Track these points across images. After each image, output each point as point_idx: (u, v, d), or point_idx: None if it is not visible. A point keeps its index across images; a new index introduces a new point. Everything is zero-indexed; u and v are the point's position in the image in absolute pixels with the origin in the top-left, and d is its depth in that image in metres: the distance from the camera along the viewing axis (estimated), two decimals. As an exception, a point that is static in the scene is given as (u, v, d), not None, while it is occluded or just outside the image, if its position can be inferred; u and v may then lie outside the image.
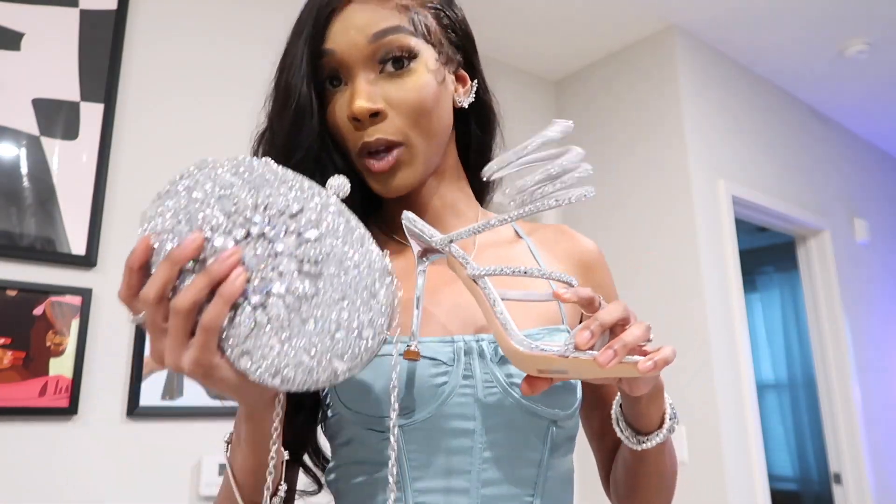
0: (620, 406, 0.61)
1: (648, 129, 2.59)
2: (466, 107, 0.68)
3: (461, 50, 0.69)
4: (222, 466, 1.49)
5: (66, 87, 1.47)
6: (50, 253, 1.37)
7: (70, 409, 1.34)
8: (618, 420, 0.61)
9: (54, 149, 1.43)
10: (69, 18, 1.50)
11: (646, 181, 2.56)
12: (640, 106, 2.64)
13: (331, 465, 0.63)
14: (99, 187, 1.45)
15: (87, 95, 1.49)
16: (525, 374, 0.52)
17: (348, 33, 0.60)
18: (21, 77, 1.42)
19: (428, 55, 0.62)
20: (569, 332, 0.64)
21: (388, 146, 0.60)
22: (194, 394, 1.50)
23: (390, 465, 0.52)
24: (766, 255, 4.71)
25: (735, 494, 2.17)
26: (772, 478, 3.05)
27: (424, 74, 0.61)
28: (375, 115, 0.59)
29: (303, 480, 0.67)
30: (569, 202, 0.51)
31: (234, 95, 1.72)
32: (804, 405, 4.50)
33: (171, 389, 1.47)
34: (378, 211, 0.71)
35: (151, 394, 1.44)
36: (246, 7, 1.79)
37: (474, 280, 0.53)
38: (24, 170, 1.38)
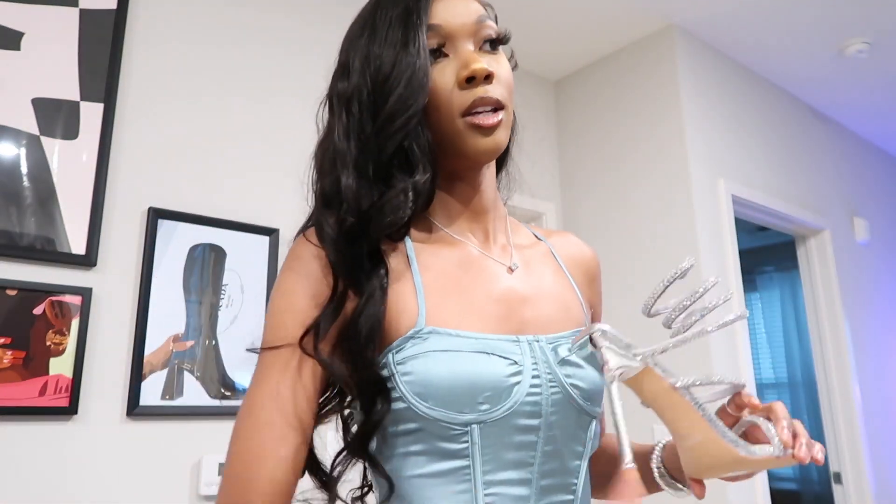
0: (662, 460, 0.70)
1: (648, 128, 2.59)
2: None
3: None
4: (222, 466, 1.48)
5: (66, 86, 1.47)
6: (50, 252, 1.37)
7: (70, 409, 1.34)
8: (662, 474, 0.70)
9: (54, 148, 1.43)
10: (69, 18, 1.50)
11: (646, 181, 2.56)
12: (639, 105, 2.64)
13: (387, 452, 0.62)
14: (99, 187, 1.45)
15: (87, 95, 1.49)
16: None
17: (455, 12, 0.68)
18: (21, 77, 1.42)
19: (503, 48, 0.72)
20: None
21: (496, 106, 0.66)
22: (194, 394, 1.50)
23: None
24: (766, 254, 4.71)
25: (735, 494, 2.17)
26: (772, 477, 3.05)
27: (506, 59, 0.71)
28: (488, 78, 0.66)
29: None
30: (725, 326, 0.57)
31: (235, 95, 1.72)
32: (804, 405, 4.51)
33: (171, 389, 1.47)
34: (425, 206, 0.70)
35: (151, 393, 1.44)
36: (246, 7, 1.79)
37: (675, 389, 0.58)
38: (24, 169, 1.38)
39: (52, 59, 1.46)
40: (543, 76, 3.00)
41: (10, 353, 1.30)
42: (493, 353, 0.60)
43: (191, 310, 1.54)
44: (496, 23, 0.72)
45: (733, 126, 2.72)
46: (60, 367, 1.34)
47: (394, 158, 0.64)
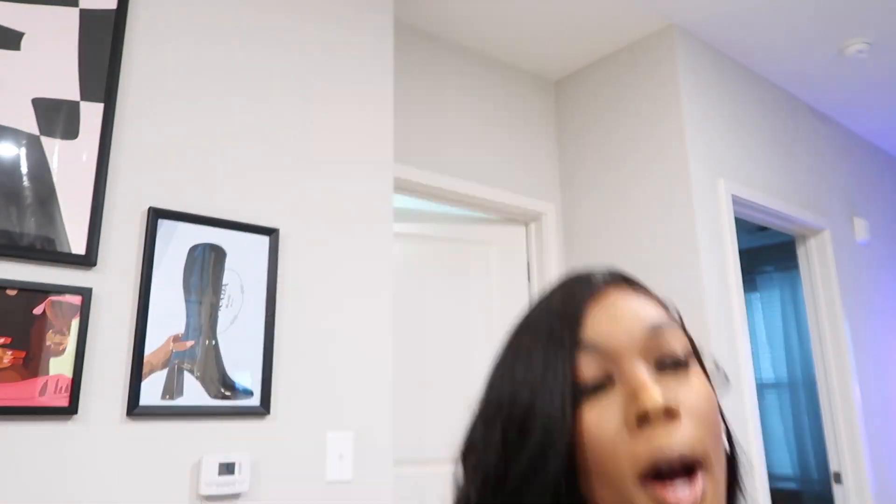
0: None
1: (648, 128, 2.59)
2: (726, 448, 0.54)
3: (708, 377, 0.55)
4: (222, 466, 1.49)
5: (66, 86, 1.47)
6: (50, 252, 1.37)
7: (70, 409, 1.34)
8: None
9: (54, 148, 1.43)
10: (69, 18, 1.50)
11: (645, 180, 2.56)
12: (639, 105, 2.64)
13: None
14: (99, 187, 1.45)
15: (87, 95, 1.49)
16: None
17: (618, 321, 0.49)
18: (21, 76, 1.42)
19: (698, 366, 0.51)
20: None
21: (689, 462, 0.44)
22: (194, 394, 1.50)
23: None
24: (766, 254, 4.71)
25: (735, 494, 2.17)
26: (772, 477, 3.05)
27: (703, 379, 0.50)
28: (670, 415, 0.45)
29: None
30: None
31: (235, 95, 1.72)
32: (804, 404, 4.50)
33: (172, 389, 1.47)
34: None
35: (151, 393, 1.44)
36: (246, 6, 1.79)
37: None
38: (23, 169, 1.38)
39: (52, 59, 1.46)
40: (543, 76, 3.00)
41: (10, 352, 1.30)
42: None
43: (191, 310, 1.54)
44: (682, 325, 0.53)
45: (733, 126, 2.72)
46: (60, 366, 1.34)
47: None
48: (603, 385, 0.47)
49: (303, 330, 1.69)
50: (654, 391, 0.45)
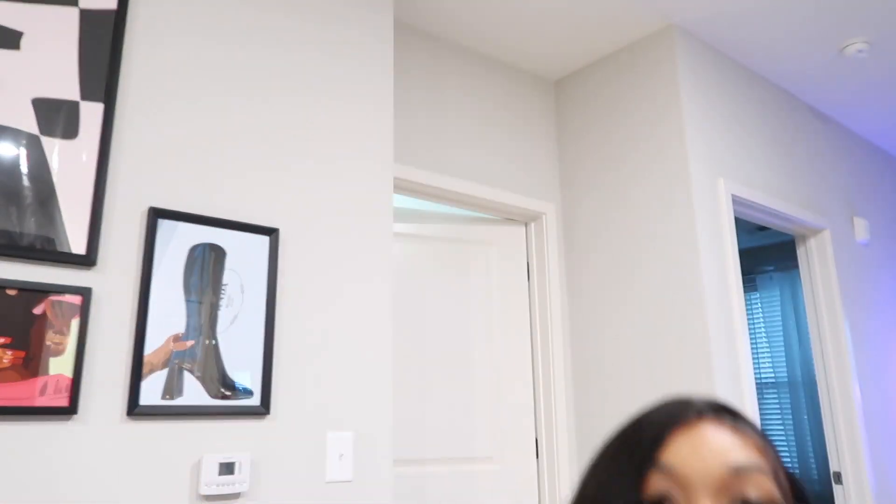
0: None
1: (648, 128, 2.59)
2: None
3: None
4: (222, 465, 1.49)
5: (66, 86, 1.47)
6: (50, 252, 1.37)
7: (70, 409, 1.34)
8: None
9: (54, 148, 1.43)
10: (69, 18, 1.50)
11: (645, 180, 2.56)
12: (639, 105, 2.64)
13: None
14: (99, 186, 1.45)
15: (87, 95, 1.49)
16: None
17: (699, 452, 0.48)
18: (21, 76, 1.42)
19: None
20: None
21: None
22: (194, 393, 1.50)
23: None
24: (766, 254, 4.71)
25: (735, 494, 2.17)
26: (772, 477, 3.04)
27: None
28: None
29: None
30: None
31: (235, 95, 1.72)
32: (804, 404, 4.51)
33: (172, 389, 1.47)
34: None
35: (151, 393, 1.44)
36: (246, 6, 1.79)
37: None
38: (23, 169, 1.38)
39: (52, 59, 1.46)
40: (543, 76, 3.00)
41: (9, 352, 1.30)
42: None
43: (191, 309, 1.54)
44: (779, 474, 0.51)
45: (733, 126, 2.72)
46: (60, 366, 1.34)
47: None
48: None
49: (303, 330, 1.69)
50: None
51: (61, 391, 1.33)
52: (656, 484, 0.47)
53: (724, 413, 0.52)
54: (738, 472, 0.47)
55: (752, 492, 0.47)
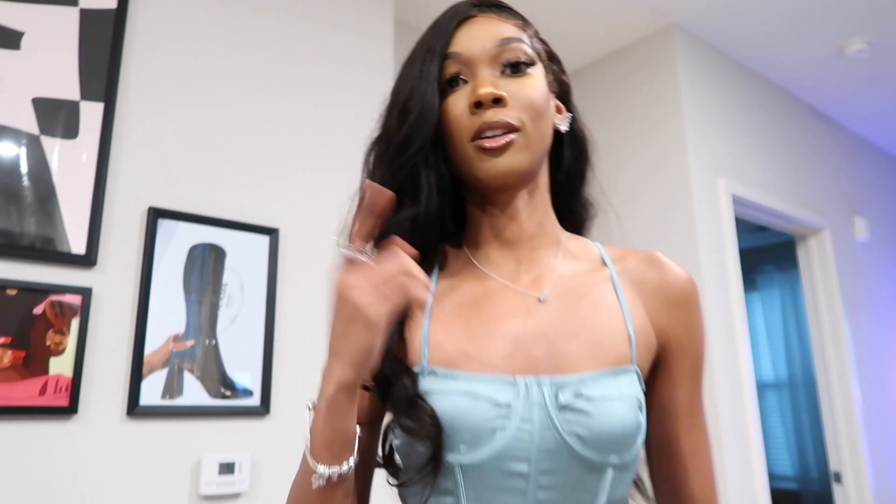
0: None
1: (648, 127, 2.59)
2: (564, 130, 0.73)
3: (559, 83, 0.75)
4: (222, 465, 1.49)
5: (66, 86, 1.47)
6: (50, 252, 1.37)
7: (70, 409, 1.34)
8: None
9: (54, 148, 1.43)
10: (69, 17, 1.50)
11: (645, 180, 2.56)
12: (639, 105, 2.64)
13: (401, 479, 0.64)
14: (99, 186, 1.45)
15: (87, 94, 1.49)
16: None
17: (476, 37, 0.68)
18: (21, 76, 1.42)
19: (540, 70, 0.70)
20: (637, 373, 0.65)
21: (507, 128, 0.64)
22: (194, 393, 1.50)
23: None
24: (766, 254, 4.71)
25: (735, 494, 2.17)
26: (772, 477, 3.05)
27: (540, 80, 0.69)
28: (497, 102, 0.64)
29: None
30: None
31: (235, 95, 1.72)
32: (804, 404, 4.50)
33: (171, 389, 1.47)
34: (465, 231, 0.74)
35: (151, 393, 1.44)
36: (246, 9, 1.79)
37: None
38: (23, 169, 1.38)
39: (52, 59, 1.46)
40: (543, 76, 3.00)
41: (10, 352, 1.30)
42: (479, 397, 0.60)
43: (191, 309, 1.54)
44: (533, 41, 0.72)
45: (733, 126, 2.72)
46: (60, 366, 1.34)
47: (406, 189, 0.66)
48: (459, 82, 0.67)
49: (303, 330, 1.69)
50: (487, 86, 0.64)
51: (61, 391, 1.33)
52: (450, 68, 0.67)
53: (492, 6, 0.71)
54: (503, 44, 0.67)
55: (515, 56, 0.67)
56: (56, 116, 1.44)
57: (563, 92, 0.75)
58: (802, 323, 4.46)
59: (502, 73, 0.67)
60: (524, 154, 0.65)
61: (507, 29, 0.69)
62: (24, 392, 1.30)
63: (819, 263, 3.07)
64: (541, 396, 0.60)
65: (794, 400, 4.57)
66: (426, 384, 0.61)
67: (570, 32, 2.65)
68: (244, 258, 1.63)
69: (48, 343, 1.34)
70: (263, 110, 1.76)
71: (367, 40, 2.02)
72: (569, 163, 0.75)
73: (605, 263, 0.72)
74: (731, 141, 2.67)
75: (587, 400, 0.60)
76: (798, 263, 3.18)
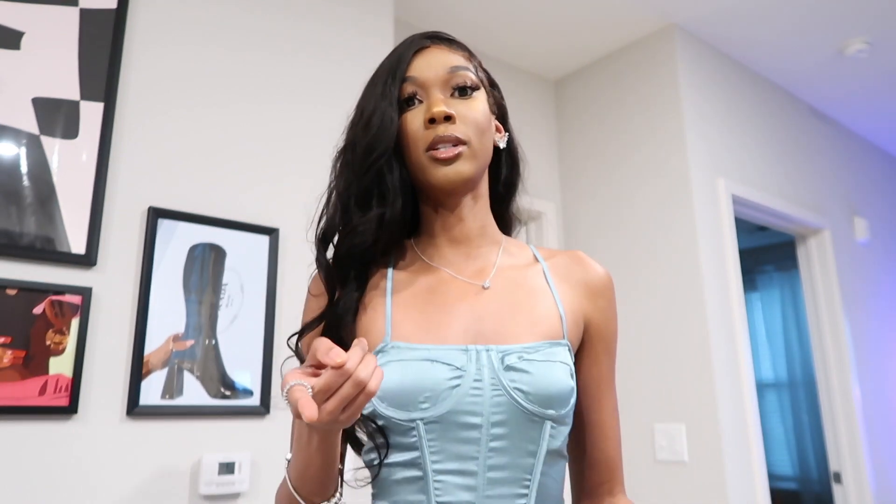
0: None
1: (648, 127, 2.59)
2: (502, 147, 0.87)
3: (499, 106, 0.89)
4: (222, 465, 1.49)
5: (66, 85, 1.47)
6: (50, 252, 1.37)
7: (70, 408, 1.34)
8: None
9: (54, 148, 1.43)
10: (69, 17, 1.50)
11: (645, 180, 2.56)
12: (639, 104, 2.64)
13: (367, 446, 0.76)
14: (99, 186, 1.45)
15: (86, 94, 1.49)
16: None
17: (430, 64, 0.80)
18: (21, 76, 1.42)
19: (484, 94, 0.83)
20: (569, 348, 0.79)
21: (456, 142, 0.77)
22: (194, 393, 1.50)
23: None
24: (766, 254, 4.71)
25: (735, 494, 2.17)
26: (772, 477, 3.05)
27: (483, 103, 0.82)
28: (448, 119, 0.77)
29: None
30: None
31: (235, 95, 1.72)
32: (804, 404, 4.50)
33: (171, 389, 1.47)
34: (418, 233, 0.86)
35: (151, 393, 1.44)
36: (246, 8, 1.79)
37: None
38: (23, 169, 1.39)
39: (52, 59, 1.46)
40: (543, 75, 3.00)
41: (10, 352, 1.30)
42: (437, 361, 0.72)
43: (191, 309, 1.54)
44: (478, 70, 0.84)
45: (733, 125, 2.72)
46: (60, 366, 1.34)
47: (372, 192, 0.77)
48: (415, 101, 0.79)
49: (303, 330, 1.69)
50: (440, 106, 0.77)
51: (61, 391, 1.33)
52: (407, 89, 0.80)
53: (444, 39, 0.84)
54: (453, 71, 0.80)
55: (462, 81, 0.80)
56: (56, 116, 1.44)
57: (501, 114, 0.89)
58: (802, 323, 4.45)
59: (451, 95, 0.80)
60: (470, 164, 0.78)
61: (456, 59, 0.81)
62: (24, 392, 1.30)
63: (819, 263, 3.07)
64: (489, 360, 0.73)
65: (794, 400, 4.57)
66: (390, 356, 0.73)
67: (570, 32, 2.65)
68: (244, 258, 1.63)
69: (48, 343, 1.34)
70: (263, 110, 1.76)
71: (368, 40, 2.02)
72: (505, 175, 0.90)
73: (537, 260, 0.87)
74: (731, 141, 2.67)
75: (528, 362, 0.73)
76: (798, 263, 3.18)
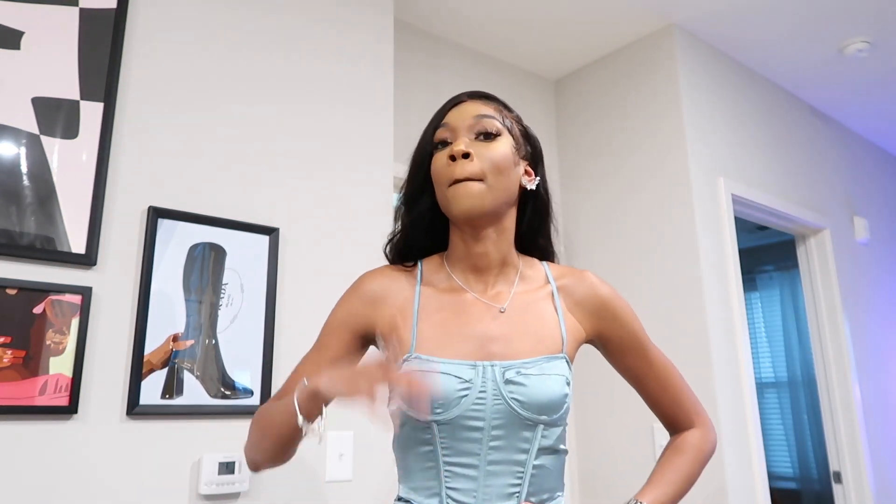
0: None
1: (648, 127, 2.59)
2: (531, 189, 0.99)
3: (531, 153, 1.02)
4: (222, 465, 1.49)
5: (66, 85, 1.47)
6: (50, 252, 1.37)
7: (70, 408, 1.34)
8: None
9: (54, 147, 1.43)
10: (69, 17, 1.50)
11: (645, 180, 2.56)
12: (639, 104, 2.64)
13: (394, 434, 0.95)
14: (99, 186, 1.45)
15: (86, 94, 1.49)
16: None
17: (461, 114, 0.97)
18: (21, 76, 1.42)
19: (507, 139, 0.96)
20: (567, 360, 0.94)
21: (472, 178, 0.91)
22: (194, 393, 1.50)
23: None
24: (766, 253, 4.71)
25: (735, 493, 2.17)
26: (772, 476, 3.05)
27: (504, 146, 0.95)
28: (466, 156, 0.91)
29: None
30: None
31: (234, 94, 1.72)
32: (804, 404, 4.51)
33: (171, 388, 1.47)
34: (448, 252, 1.02)
35: (151, 392, 1.44)
36: (246, 9, 1.79)
37: None
38: (23, 168, 1.39)
39: (52, 59, 1.46)
40: (543, 75, 3.00)
41: (9, 352, 1.30)
42: (450, 374, 0.87)
43: (191, 309, 1.54)
44: (506, 120, 0.98)
45: (733, 125, 2.72)
46: (60, 366, 1.34)
47: (412, 207, 1.01)
48: (445, 144, 0.96)
49: (303, 329, 1.69)
50: (460, 145, 0.92)
51: (61, 391, 1.33)
52: (440, 134, 0.97)
53: (481, 96, 1.00)
54: (478, 118, 0.95)
55: (485, 127, 0.95)
56: (56, 116, 1.44)
57: (534, 160, 1.02)
58: (802, 323, 4.45)
59: (476, 138, 0.94)
60: (485, 199, 0.91)
61: (485, 109, 0.97)
62: (24, 392, 1.30)
63: (819, 263, 3.07)
64: (493, 375, 0.89)
65: (794, 399, 4.57)
66: (412, 365, 0.89)
67: (570, 32, 2.65)
68: (244, 258, 1.63)
69: (48, 343, 1.34)
70: (263, 110, 1.76)
71: (368, 40, 2.02)
72: (529, 217, 1.02)
73: (548, 281, 1.01)
74: (731, 140, 2.67)
75: (525, 376, 0.88)
76: (798, 263, 3.18)
